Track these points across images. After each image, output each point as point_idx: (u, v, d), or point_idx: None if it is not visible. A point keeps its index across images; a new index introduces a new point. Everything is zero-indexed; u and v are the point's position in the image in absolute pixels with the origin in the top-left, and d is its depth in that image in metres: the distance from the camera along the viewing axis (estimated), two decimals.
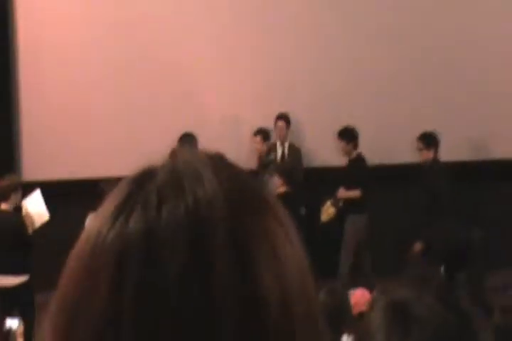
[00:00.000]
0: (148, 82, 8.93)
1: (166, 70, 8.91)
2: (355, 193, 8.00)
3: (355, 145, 8.30)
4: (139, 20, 8.92)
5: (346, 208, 8.05)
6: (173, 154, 0.72)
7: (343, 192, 8.08)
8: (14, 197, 7.08)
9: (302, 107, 8.99)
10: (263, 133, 8.81)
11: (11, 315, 6.18)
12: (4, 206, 7.01)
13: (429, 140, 8.08)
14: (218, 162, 0.71)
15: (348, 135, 8.29)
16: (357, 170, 8.12)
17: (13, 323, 5.89)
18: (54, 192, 7.63)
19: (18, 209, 7.21)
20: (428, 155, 8.06)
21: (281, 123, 8.76)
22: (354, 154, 8.29)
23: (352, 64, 9.05)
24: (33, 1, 9.09)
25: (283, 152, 8.81)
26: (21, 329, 5.97)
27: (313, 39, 9.06)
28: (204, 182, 0.67)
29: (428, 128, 8.16)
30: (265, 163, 8.60)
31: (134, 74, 8.92)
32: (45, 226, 7.20)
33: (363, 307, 4.51)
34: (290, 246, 0.69)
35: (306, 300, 0.68)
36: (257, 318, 0.64)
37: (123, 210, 0.66)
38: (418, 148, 8.11)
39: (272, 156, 8.76)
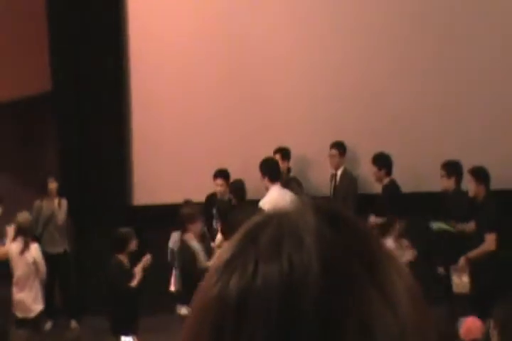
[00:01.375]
0: (263, 100, 9.00)
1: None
2: (384, 220, 7.79)
3: (388, 172, 8.27)
4: (248, 34, 9.09)
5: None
6: (283, 210, 0.72)
7: (373, 219, 7.97)
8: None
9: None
10: (282, 152, 8.85)
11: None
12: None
13: (451, 168, 7.92)
14: (327, 221, 0.70)
15: (381, 161, 8.28)
16: (388, 197, 8.08)
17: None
18: (165, 216, 7.96)
19: None
20: (449, 183, 7.92)
21: (333, 152, 8.74)
22: (387, 180, 8.26)
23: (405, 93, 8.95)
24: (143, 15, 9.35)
25: (335, 179, 8.78)
26: None
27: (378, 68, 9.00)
28: (303, 248, 0.67)
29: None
30: (286, 180, 8.54)
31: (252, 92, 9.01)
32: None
33: (477, 335, 4.54)
34: (390, 316, 0.66)
35: None
36: None
37: (225, 270, 0.68)
38: (441, 176, 7.95)
39: (291, 174, 8.87)
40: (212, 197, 8.76)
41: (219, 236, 7.68)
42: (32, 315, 7.96)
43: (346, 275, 0.66)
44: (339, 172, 8.78)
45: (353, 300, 0.65)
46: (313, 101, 9.03)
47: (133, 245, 7.41)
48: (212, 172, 8.61)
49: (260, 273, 0.66)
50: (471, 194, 7.64)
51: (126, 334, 6.42)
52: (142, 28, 9.53)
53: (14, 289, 7.95)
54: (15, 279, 7.95)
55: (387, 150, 8.36)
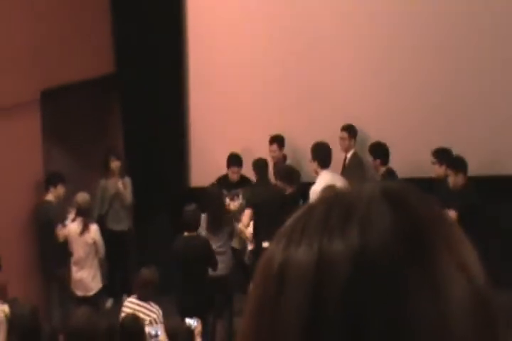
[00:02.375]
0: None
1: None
2: None
3: (384, 161, 8.21)
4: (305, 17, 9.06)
5: None
6: (354, 189, 0.74)
7: None
8: None
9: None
10: (278, 141, 8.86)
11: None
12: None
13: (441, 155, 7.99)
14: (395, 203, 0.71)
15: (376, 150, 8.25)
16: None
17: (191, 322, 6.14)
18: None
19: None
20: (440, 170, 7.93)
21: (343, 134, 8.72)
22: (383, 170, 8.21)
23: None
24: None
25: (344, 162, 8.76)
26: (199, 328, 6.20)
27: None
28: (373, 225, 0.68)
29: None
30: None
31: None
32: None
33: None
34: (460, 288, 0.68)
35: None
36: None
37: (292, 244, 0.70)
38: (432, 163, 8.03)
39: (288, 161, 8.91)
40: (224, 178, 8.83)
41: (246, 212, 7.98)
42: (91, 293, 8.10)
43: (418, 249, 0.68)
44: (349, 155, 8.73)
45: (424, 274, 0.67)
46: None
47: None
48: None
49: (329, 248, 0.67)
50: (451, 184, 7.67)
51: (191, 316, 6.43)
52: (202, 8, 9.55)
53: (74, 268, 8.10)
54: (74, 259, 8.10)
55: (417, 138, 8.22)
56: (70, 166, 9.44)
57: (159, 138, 9.68)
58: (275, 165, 8.75)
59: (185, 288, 7.51)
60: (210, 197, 7.89)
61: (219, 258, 7.69)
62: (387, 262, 0.67)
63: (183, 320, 6.31)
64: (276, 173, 8.36)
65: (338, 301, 0.66)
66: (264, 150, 8.79)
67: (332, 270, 0.66)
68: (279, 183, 8.14)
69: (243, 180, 8.79)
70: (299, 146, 8.95)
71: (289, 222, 0.73)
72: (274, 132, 8.94)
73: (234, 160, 8.78)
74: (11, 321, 4.15)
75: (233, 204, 8.41)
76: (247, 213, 8.06)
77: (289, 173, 8.21)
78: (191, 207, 7.55)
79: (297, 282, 0.67)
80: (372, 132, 8.86)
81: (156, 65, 9.72)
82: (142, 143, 9.82)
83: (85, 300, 7.93)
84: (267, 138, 8.90)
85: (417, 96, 8.88)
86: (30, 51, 8.40)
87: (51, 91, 8.60)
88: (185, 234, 7.52)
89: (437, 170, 7.99)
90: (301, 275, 0.67)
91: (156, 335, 6.11)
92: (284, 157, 9.09)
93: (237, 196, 8.52)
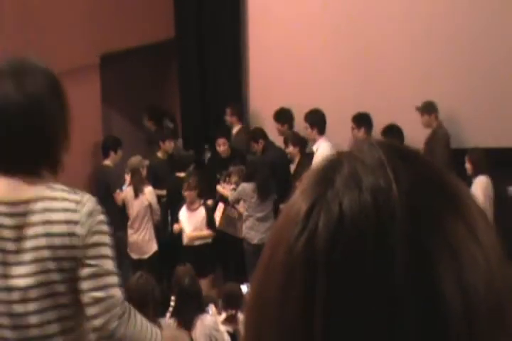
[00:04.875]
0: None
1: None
2: None
3: (367, 132, 8.09)
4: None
5: None
6: (357, 144, 0.72)
7: None
8: None
9: None
10: (284, 117, 8.72)
11: None
12: None
13: (360, 120, 8.11)
14: (397, 156, 0.70)
15: (359, 120, 8.14)
16: None
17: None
18: None
19: None
20: (360, 134, 8.06)
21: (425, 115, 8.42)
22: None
23: None
24: None
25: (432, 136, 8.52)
26: None
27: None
28: (382, 183, 0.67)
29: None
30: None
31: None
32: None
33: None
34: (474, 245, 0.67)
35: (493, 305, 0.66)
36: (436, 319, 0.64)
37: (308, 218, 0.67)
38: (352, 128, 8.14)
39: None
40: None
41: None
42: (146, 256, 8.18)
43: (431, 206, 0.66)
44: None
45: (440, 230, 0.65)
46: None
47: None
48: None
49: (346, 212, 0.66)
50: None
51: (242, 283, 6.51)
52: None
53: (129, 231, 8.20)
54: (130, 222, 8.19)
55: None
56: (126, 131, 9.53)
57: (216, 106, 9.69)
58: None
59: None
60: (258, 166, 7.94)
61: (264, 225, 7.76)
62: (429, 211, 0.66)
63: (239, 286, 6.38)
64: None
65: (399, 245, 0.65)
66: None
67: (391, 215, 0.65)
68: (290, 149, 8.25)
69: (233, 155, 8.72)
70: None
71: (309, 176, 0.71)
72: (336, 106, 8.83)
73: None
74: None
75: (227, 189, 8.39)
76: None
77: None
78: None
79: (356, 227, 0.65)
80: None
81: (216, 30, 9.74)
82: (198, 109, 9.85)
83: (141, 263, 8.02)
84: (332, 110, 8.80)
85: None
86: (89, 16, 8.46)
87: (110, 56, 8.66)
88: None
89: (357, 135, 8.12)
90: (360, 219, 0.65)
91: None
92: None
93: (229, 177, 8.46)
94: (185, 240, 7.84)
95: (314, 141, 8.16)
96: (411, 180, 0.67)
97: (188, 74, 9.93)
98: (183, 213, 7.84)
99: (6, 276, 2.21)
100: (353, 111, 8.38)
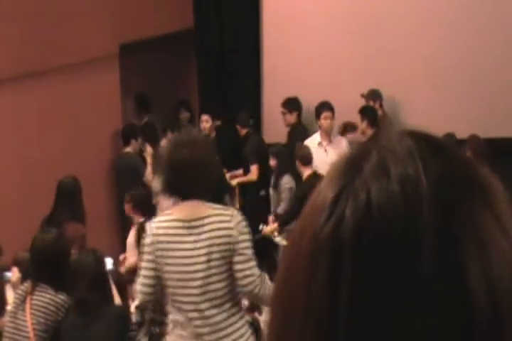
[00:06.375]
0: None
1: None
2: None
3: (372, 124, 7.96)
4: None
5: None
6: (386, 133, 0.72)
7: None
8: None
9: None
10: (290, 104, 8.64)
11: None
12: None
13: (291, 105, 8.35)
14: (425, 146, 0.70)
15: (366, 112, 8.06)
16: None
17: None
18: None
19: None
20: (290, 119, 8.36)
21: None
22: (369, 133, 8.01)
23: None
24: None
25: None
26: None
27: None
28: (410, 172, 0.67)
29: None
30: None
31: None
32: None
33: None
34: (501, 236, 0.66)
35: None
36: (462, 308, 0.64)
37: (336, 205, 0.67)
38: (282, 113, 8.42)
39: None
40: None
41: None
42: None
43: (459, 195, 0.66)
44: None
45: (467, 217, 0.65)
46: None
47: None
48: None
49: (374, 200, 0.66)
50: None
51: None
52: None
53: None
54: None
55: None
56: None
57: (234, 95, 9.73)
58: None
59: None
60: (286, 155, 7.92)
61: None
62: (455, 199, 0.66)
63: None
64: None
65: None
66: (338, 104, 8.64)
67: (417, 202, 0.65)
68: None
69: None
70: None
71: (338, 166, 0.72)
72: (352, 86, 8.86)
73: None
74: (79, 268, 4.34)
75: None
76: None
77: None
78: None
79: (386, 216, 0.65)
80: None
81: (235, 20, 9.77)
82: (216, 99, 9.91)
83: None
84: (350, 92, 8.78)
85: None
86: (109, 5, 8.54)
87: (129, 46, 8.74)
88: None
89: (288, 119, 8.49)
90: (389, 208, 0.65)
91: None
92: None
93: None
94: None
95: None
96: (439, 169, 0.67)
97: (207, 63, 10.00)
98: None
99: (186, 264, 3.65)
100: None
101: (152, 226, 3.72)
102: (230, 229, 3.63)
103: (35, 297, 4.52)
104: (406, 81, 8.79)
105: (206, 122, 9.02)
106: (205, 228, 3.65)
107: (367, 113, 8.10)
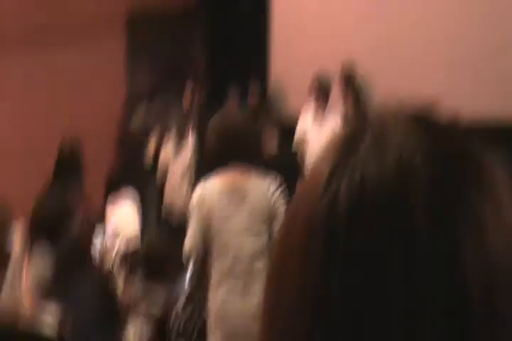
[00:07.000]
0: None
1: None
2: None
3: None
4: None
5: None
6: (382, 113, 0.72)
7: None
8: None
9: None
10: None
11: None
12: None
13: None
14: (426, 120, 0.70)
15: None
16: None
17: None
18: None
19: None
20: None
21: None
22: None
23: None
24: None
25: None
26: None
27: None
28: (406, 151, 0.66)
29: None
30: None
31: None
32: None
33: None
34: (497, 215, 0.66)
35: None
36: (455, 281, 0.64)
37: (330, 182, 0.67)
38: None
39: None
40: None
41: None
42: None
43: (454, 174, 0.66)
44: None
45: (463, 197, 0.65)
46: None
47: None
48: None
49: (369, 178, 0.65)
50: None
51: None
52: None
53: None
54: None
55: None
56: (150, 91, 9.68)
57: (241, 72, 9.71)
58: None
59: None
60: None
61: None
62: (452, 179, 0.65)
63: None
64: None
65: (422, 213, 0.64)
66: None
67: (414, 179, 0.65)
68: None
69: None
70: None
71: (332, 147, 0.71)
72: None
73: None
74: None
75: None
76: None
77: None
78: None
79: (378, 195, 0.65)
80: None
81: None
82: (223, 74, 9.88)
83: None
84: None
85: None
86: None
87: (137, 17, 8.83)
88: None
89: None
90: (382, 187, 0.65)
91: None
92: None
93: None
94: None
95: None
96: (435, 147, 0.67)
97: (213, 38, 10.01)
98: None
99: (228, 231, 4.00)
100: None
101: (198, 190, 4.02)
102: (269, 195, 3.98)
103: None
104: (419, 60, 8.74)
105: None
106: (249, 193, 3.99)
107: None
